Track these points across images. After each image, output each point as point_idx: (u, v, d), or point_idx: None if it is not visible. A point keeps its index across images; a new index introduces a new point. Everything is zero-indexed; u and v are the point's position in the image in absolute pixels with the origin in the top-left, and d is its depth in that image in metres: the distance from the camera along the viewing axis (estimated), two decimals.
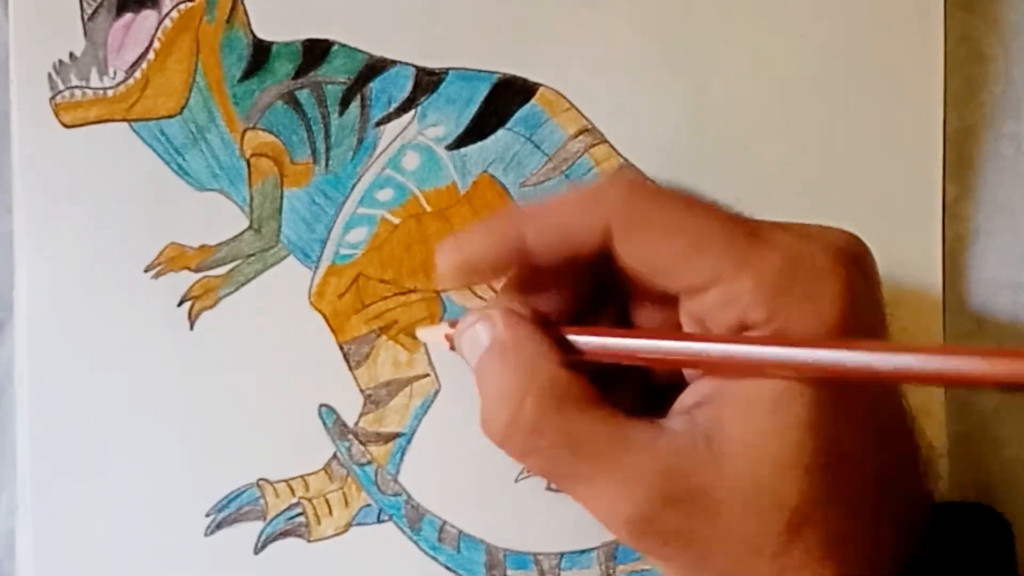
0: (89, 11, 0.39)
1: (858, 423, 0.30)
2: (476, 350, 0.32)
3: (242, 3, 0.40)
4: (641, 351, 0.31)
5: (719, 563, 0.29)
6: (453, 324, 0.35)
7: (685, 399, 0.31)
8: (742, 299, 0.29)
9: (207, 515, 0.40)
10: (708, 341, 0.30)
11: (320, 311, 0.40)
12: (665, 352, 0.31)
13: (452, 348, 0.34)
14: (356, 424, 0.40)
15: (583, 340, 0.32)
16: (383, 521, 0.40)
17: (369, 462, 0.40)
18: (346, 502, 0.40)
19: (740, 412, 0.29)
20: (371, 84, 0.40)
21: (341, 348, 0.40)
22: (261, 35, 0.40)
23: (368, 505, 0.40)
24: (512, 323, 0.32)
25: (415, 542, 0.40)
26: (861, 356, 0.27)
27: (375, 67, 0.40)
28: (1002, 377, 0.25)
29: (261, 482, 0.40)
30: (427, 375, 0.40)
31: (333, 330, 0.40)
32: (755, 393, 0.29)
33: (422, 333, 0.38)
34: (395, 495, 0.40)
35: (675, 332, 0.31)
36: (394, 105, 0.40)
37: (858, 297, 0.30)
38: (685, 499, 0.29)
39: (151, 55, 0.40)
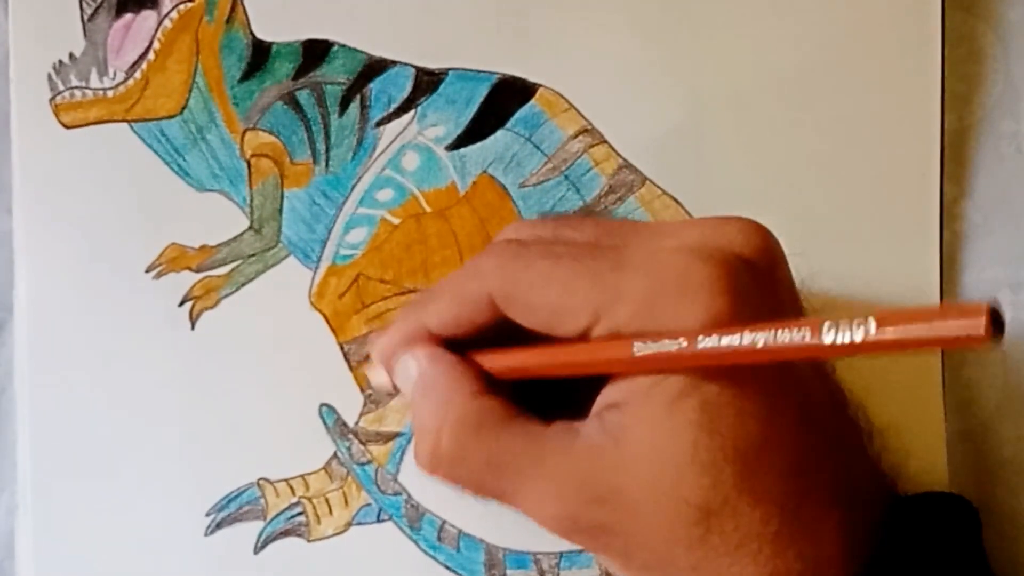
0: (89, 11, 0.39)
1: (767, 414, 0.30)
2: (407, 385, 0.34)
3: (242, 3, 0.40)
4: (536, 367, 0.33)
5: (643, 555, 0.31)
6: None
7: (600, 401, 0.32)
8: (626, 328, 0.30)
9: (207, 515, 0.40)
10: (579, 347, 0.31)
11: (320, 311, 0.40)
12: (557, 365, 0.32)
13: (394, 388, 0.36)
14: (356, 424, 0.40)
15: (493, 363, 0.34)
16: (383, 520, 0.40)
17: (369, 461, 0.40)
18: (346, 501, 0.40)
19: (641, 415, 0.30)
20: (371, 84, 0.40)
21: (341, 348, 0.40)
22: (261, 35, 0.40)
23: (368, 504, 0.40)
24: (432, 358, 0.34)
25: (415, 541, 0.40)
26: (722, 340, 0.28)
27: (375, 67, 0.40)
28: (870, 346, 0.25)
29: (261, 481, 0.40)
30: None
31: (333, 330, 0.40)
32: (654, 395, 0.30)
33: (371, 372, 0.38)
34: (395, 494, 0.40)
35: (563, 344, 0.32)
36: (394, 105, 0.40)
37: (740, 298, 0.30)
38: (604, 498, 0.30)
39: (151, 55, 0.40)
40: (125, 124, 0.40)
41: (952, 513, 0.33)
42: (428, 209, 0.40)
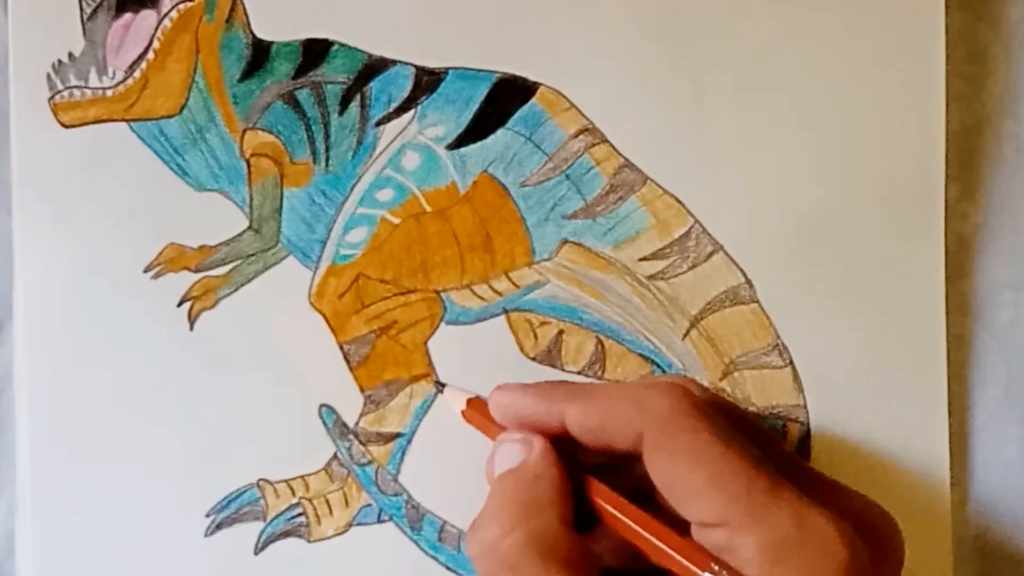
0: (88, 11, 0.39)
1: None
2: (504, 463, 0.34)
3: (241, 3, 0.39)
4: (637, 538, 0.33)
5: None
6: (475, 403, 0.38)
7: None
8: (742, 552, 0.30)
9: (207, 515, 0.40)
10: (673, 537, 0.32)
11: (320, 311, 0.40)
12: (655, 550, 0.32)
13: (466, 420, 0.37)
14: (356, 424, 0.40)
15: (601, 498, 0.34)
16: (383, 521, 0.40)
17: (369, 462, 0.40)
18: (346, 502, 0.40)
19: None
20: (371, 84, 0.40)
21: (341, 348, 0.40)
22: (261, 35, 0.40)
23: (368, 505, 0.40)
24: (546, 458, 0.34)
25: (415, 542, 0.40)
26: None
27: (375, 67, 0.40)
28: None
29: (261, 482, 0.40)
30: (427, 375, 0.40)
31: (333, 330, 0.40)
32: None
33: (450, 392, 0.39)
34: (395, 495, 0.40)
35: (673, 535, 0.32)
36: (394, 105, 0.40)
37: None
38: None
39: (150, 55, 0.40)
40: (124, 124, 0.40)
41: None
42: (428, 209, 0.40)
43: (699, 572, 0.31)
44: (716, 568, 0.30)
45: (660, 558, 0.32)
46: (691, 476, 0.31)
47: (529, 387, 0.36)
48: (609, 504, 0.33)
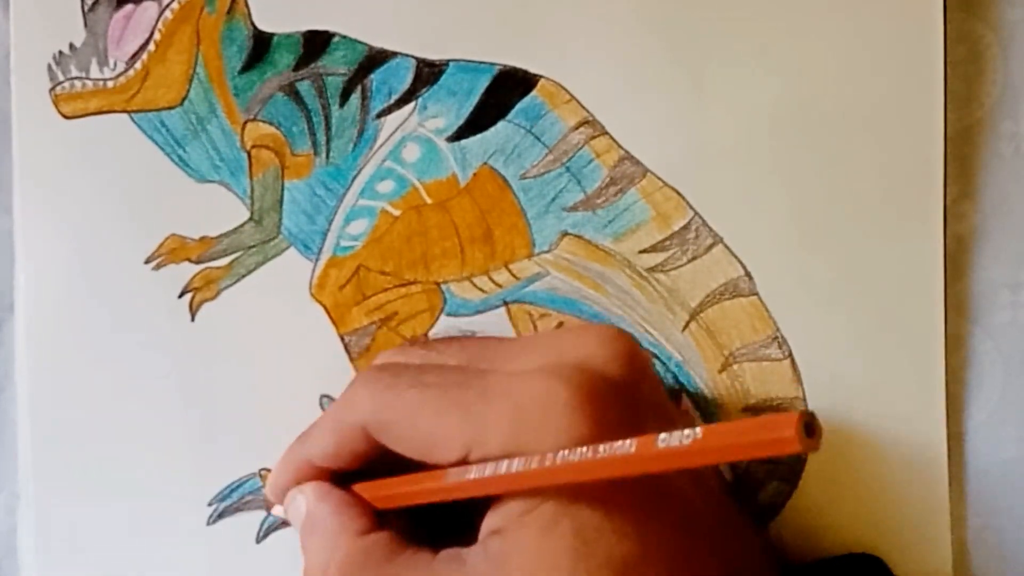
0: (90, 2, 0.39)
1: (642, 529, 0.30)
2: (298, 523, 0.36)
3: None
4: (412, 495, 0.34)
5: None
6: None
7: (484, 527, 0.32)
8: (495, 456, 0.31)
9: (209, 504, 0.40)
10: (438, 474, 0.32)
11: (321, 303, 0.40)
12: (429, 491, 0.33)
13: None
14: None
15: (375, 493, 0.35)
16: None
17: None
18: None
19: (519, 541, 0.31)
20: (372, 76, 0.40)
21: (342, 339, 0.40)
22: (262, 26, 0.40)
23: None
24: (319, 496, 0.35)
25: None
26: (558, 457, 0.29)
27: (376, 58, 0.40)
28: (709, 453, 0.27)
29: (263, 472, 0.40)
30: None
31: (334, 322, 0.40)
32: (529, 522, 0.31)
33: (276, 511, 0.39)
34: None
35: (433, 471, 0.33)
36: (395, 97, 0.40)
37: (600, 419, 0.31)
38: None
39: (151, 46, 0.40)
40: (125, 115, 0.40)
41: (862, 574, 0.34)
42: (429, 201, 0.40)
43: (466, 475, 0.31)
44: (480, 466, 0.31)
45: (452, 494, 0.32)
46: (417, 431, 0.32)
47: (275, 468, 0.37)
48: (386, 490, 0.34)
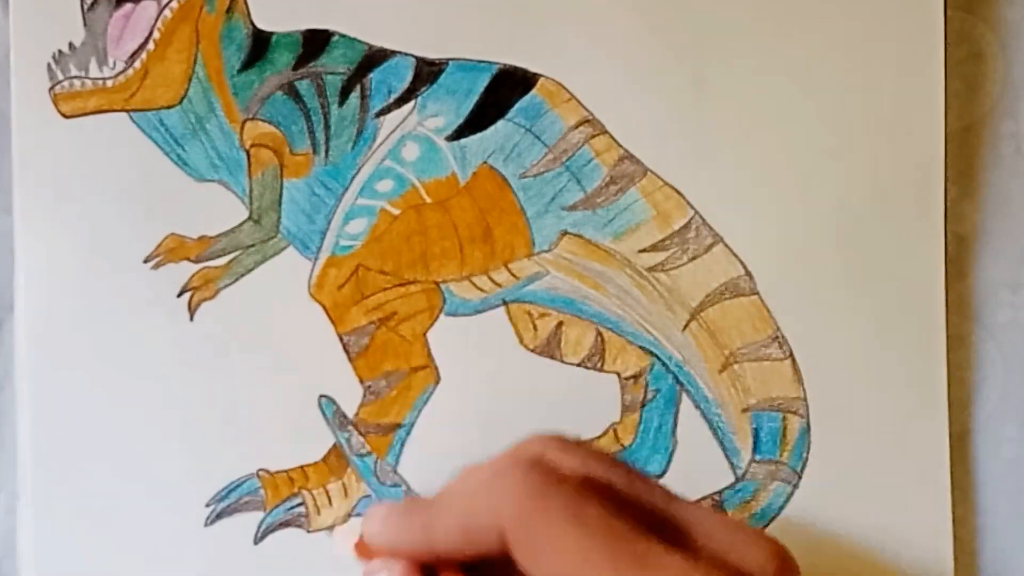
0: (89, 1, 0.39)
1: None
2: None
3: None
4: None
5: None
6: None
7: None
8: None
9: (207, 505, 0.40)
10: None
11: (320, 302, 0.40)
12: None
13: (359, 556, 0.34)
14: (356, 415, 0.40)
15: None
16: None
17: (368, 453, 0.40)
18: (346, 493, 0.40)
19: None
20: (371, 75, 0.40)
21: (341, 339, 0.40)
22: (261, 25, 0.40)
23: (368, 496, 0.40)
24: None
25: None
26: None
27: (375, 58, 0.40)
28: None
29: (261, 473, 0.40)
30: (426, 367, 0.40)
31: (333, 321, 0.40)
32: None
33: (339, 531, 0.37)
34: (394, 486, 0.40)
35: None
36: (394, 96, 0.40)
37: None
38: None
39: (151, 45, 0.40)
40: (124, 114, 0.40)
41: None
42: (428, 200, 0.40)
43: None
44: None
45: None
46: (556, 566, 0.29)
47: (392, 516, 0.33)
48: None
